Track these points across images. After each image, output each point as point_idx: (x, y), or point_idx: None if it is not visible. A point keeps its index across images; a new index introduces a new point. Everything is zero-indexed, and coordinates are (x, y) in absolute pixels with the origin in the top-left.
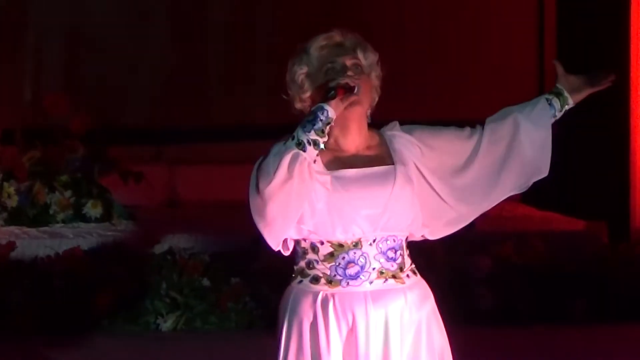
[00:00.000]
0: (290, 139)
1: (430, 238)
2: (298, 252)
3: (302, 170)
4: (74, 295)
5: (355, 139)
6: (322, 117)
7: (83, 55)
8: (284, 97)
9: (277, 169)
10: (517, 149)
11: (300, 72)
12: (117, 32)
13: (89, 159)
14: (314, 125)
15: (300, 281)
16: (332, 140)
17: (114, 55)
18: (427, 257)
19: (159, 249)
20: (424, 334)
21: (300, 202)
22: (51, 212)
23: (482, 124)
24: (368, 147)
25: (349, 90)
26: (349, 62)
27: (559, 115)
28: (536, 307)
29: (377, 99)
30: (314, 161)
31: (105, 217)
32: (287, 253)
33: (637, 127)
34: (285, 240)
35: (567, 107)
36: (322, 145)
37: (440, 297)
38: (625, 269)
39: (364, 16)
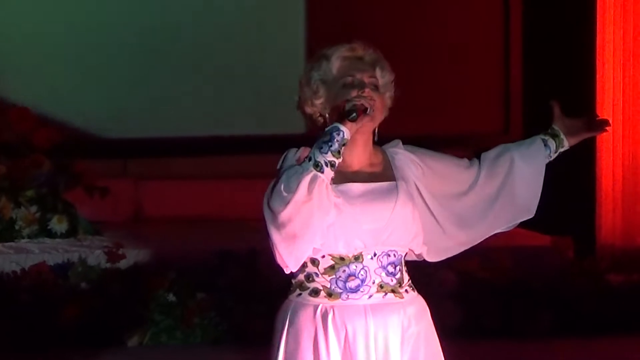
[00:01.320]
0: (306, 160)
1: (428, 259)
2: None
3: (320, 191)
4: (40, 310)
5: (361, 155)
6: (339, 138)
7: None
8: (296, 98)
9: (296, 190)
10: (510, 187)
11: (318, 77)
12: (79, 42)
13: (54, 173)
14: (331, 146)
15: (300, 294)
16: None
17: (76, 67)
18: None
19: (124, 264)
20: (422, 347)
21: (320, 223)
22: (17, 227)
23: (478, 157)
24: (371, 164)
25: (364, 111)
26: (367, 80)
27: (553, 156)
28: (502, 322)
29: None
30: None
31: (71, 232)
32: (288, 271)
33: (603, 142)
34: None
35: (561, 150)
36: (336, 166)
37: None
38: (591, 284)
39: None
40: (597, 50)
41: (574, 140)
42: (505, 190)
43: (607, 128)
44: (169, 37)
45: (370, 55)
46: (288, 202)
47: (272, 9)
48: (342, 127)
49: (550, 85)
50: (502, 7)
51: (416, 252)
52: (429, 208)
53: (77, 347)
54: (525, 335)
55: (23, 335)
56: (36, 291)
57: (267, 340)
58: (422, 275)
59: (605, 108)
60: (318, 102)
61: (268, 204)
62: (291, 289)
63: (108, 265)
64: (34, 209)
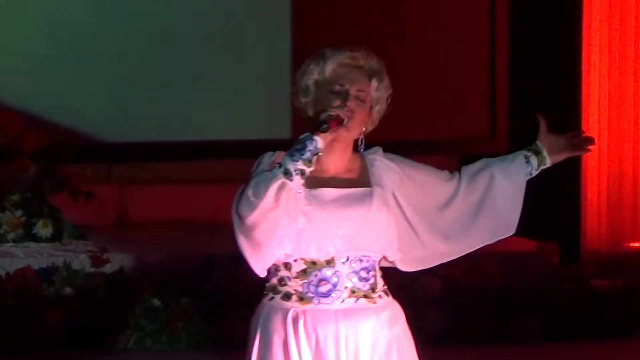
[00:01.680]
0: (277, 167)
1: (400, 268)
2: (270, 269)
3: (288, 199)
4: (25, 314)
5: (338, 161)
6: (311, 148)
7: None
8: (291, 91)
9: (263, 197)
10: (490, 202)
11: (311, 76)
12: (64, 46)
13: (39, 178)
14: (302, 155)
15: (272, 298)
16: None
17: (61, 70)
18: None
19: (109, 268)
20: (395, 353)
21: (287, 230)
22: (1, 231)
23: (464, 161)
24: (349, 170)
25: (339, 122)
26: (354, 92)
27: (534, 173)
28: (487, 327)
29: (370, 129)
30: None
31: (56, 236)
32: (263, 275)
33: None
34: None
35: (543, 167)
36: (307, 174)
37: None
38: (576, 289)
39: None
40: (583, 56)
41: (557, 159)
42: (485, 205)
43: (590, 148)
44: (154, 43)
45: (370, 66)
46: (255, 208)
47: (260, 15)
48: (316, 137)
49: (535, 91)
50: (488, 11)
51: (390, 259)
52: (406, 217)
53: (61, 351)
54: (511, 341)
55: (7, 340)
56: (21, 295)
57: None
58: (407, 281)
59: (590, 114)
60: (304, 100)
61: (236, 209)
62: (265, 292)
63: (93, 269)
64: (19, 213)
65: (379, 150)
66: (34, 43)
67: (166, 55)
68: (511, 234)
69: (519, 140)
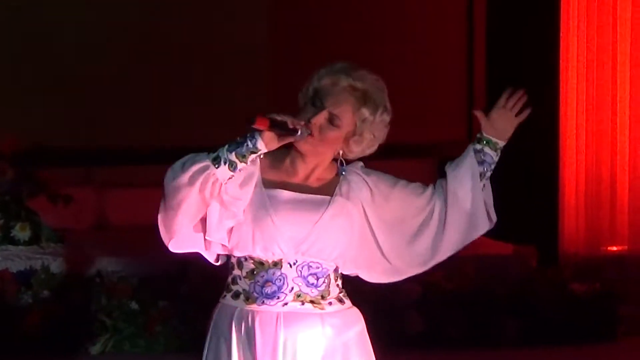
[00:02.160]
0: (211, 152)
1: (367, 280)
2: (228, 267)
3: (204, 182)
4: (3, 317)
5: (308, 169)
6: (249, 144)
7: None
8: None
9: (184, 170)
10: (455, 207)
11: (309, 87)
12: (43, 48)
13: (17, 181)
14: (237, 147)
15: (224, 296)
16: (288, 161)
17: (38, 73)
18: (354, 284)
19: (87, 271)
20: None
21: (195, 211)
22: None
23: (443, 163)
24: (319, 179)
25: (289, 131)
26: (330, 114)
27: (496, 159)
28: (466, 331)
29: (362, 151)
30: (229, 179)
31: (34, 239)
32: (217, 263)
33: (567, 151)
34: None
35: (500, 147)
36: (238, 169)
37: (370, 322)
38: (555, 292)
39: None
40: (561, 59)
41: (508, 134)
42: (452, 211)
43: (528, 107)
44: (137, 44)
45: (367, 90)
46: (173, 179)
47: (239, 18)
48: (257, 136)
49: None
50: (466, 13)
51: (344, 271)
52: (374, 235)
53: (39, 354)
54: (489, 344)
55: None
56: None
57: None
58: (387, 285)
59: (568, 117)
60: (302, 102)
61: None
62: (223, 291)
63: (71, 273)
64: None
65: (358, 164)
66: (9, 44)
67: (147, 60)
68: (482, 233)
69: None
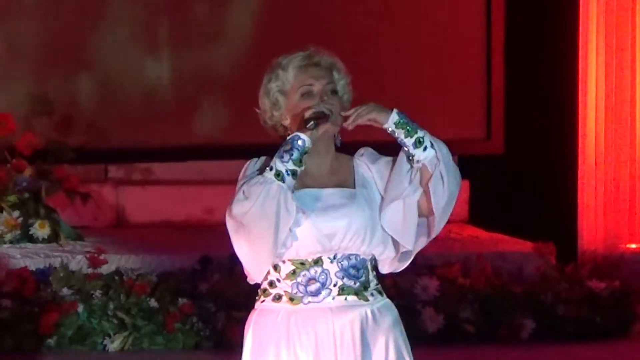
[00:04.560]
0: (268, 170)
1: (383, 270)
2: None
3: (283, 200)
4: (21, 315)
5: (322, 160)
6: (299, 147)
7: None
8: (257, 110)
9: (257, 199)
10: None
11: (276, 89)
12: (63, 46)
13: (36, 179)
14: (292, 155)
15: (263, 301)
16: None
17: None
18: None
19: (106, 269)
20: (392, 350)
21: (283, 231)
22: None
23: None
24: (332, 169)
25: (323, 117)
26: (325, 87)
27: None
28: (483, 328)
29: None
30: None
31: (53, 237)
32: (252, 282)
33: (585, 149)
34: None
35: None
36: (299, 174)
37: None
38: (573, 289)
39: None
40: (580, 57)
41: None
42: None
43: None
44: (156, 41)
45: (325, 60)
46: (248, 211)
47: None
48: (303, 136)
49: (532, 91)
50: (485, 12)
51: (379, 258)
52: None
53: (58, 352)
54: (507, 341)
55: (4, 340)
56: (18, 296)
57: None
58: (404, 282)
59: (587, 115)
60: (278, 113)
61: (231, 213)
62: (257, 297)
63: (90, 270)
64: (16, 214)
65: (367, 150)
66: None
67: (165, 60)
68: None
69: (515, 141)
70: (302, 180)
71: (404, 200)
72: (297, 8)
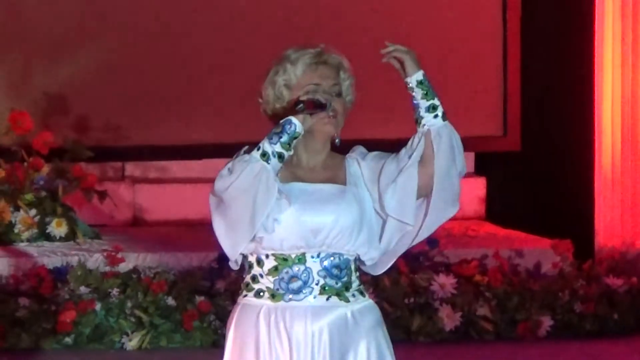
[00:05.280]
0: (255, 150)
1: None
2: (245, 266)
3: (263, 180)
4: (39, 313)
5: (317, 156)
6: (289, 131)
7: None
8: (259, 100)
9: (239, 175)
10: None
11: (282, 82)
12: (78, 46)
13: (53, 177)
14: (280, 137)
15: (245, 295)
16: (292, 154)
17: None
18: (390, 277)
19: (123, 267)
20: (373, 351)
21: (260, 211)
22: (16, 230)
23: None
24: (325, 166)
25: (319, 106)
26: (331, 87)
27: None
28: (500, 325)
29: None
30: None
31: (70, 235)
32: (235, 268)
33: (602, 146)
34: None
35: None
36: (286, 158)
37: (404, 316)
38: (590, 286)
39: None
40: (596, 53)
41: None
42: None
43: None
44: (173, 43)
45: (334, 59)
46: (229, 186)
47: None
48: (295, 120)
49: (548, 88)
50: (501, 9)
51: (363, 259)
52: (382, 204)
53: (75, 351)
54: (524, 339)
55: (22, 339)
56: (35, 295)
57: None
58: (422, 279)
59: (604, 111)
60: (280, 106)
61: (213, 189)
62: (240, 291)
63: (107, 268)
64: (33, 212)
65: (358, 148)
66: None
67: (181, 58)
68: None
69: (532, 138)
70: (294, 173)
71: (404, 173)
72: (312, 12)
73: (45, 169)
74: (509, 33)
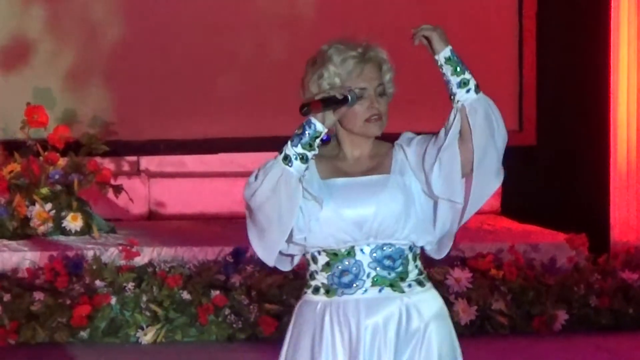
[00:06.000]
0: (279, 154)
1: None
2: (306, 264)
3: (287, 184)
4: (54, 307)
5: (363, 147)
6: (310, 131)
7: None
8: (302, 96)
9: (262, 181)
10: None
11: (327, 87)
12: (95, 43)
13: (68, 171)
14: (301, 139)
15: (305, 292)
16: (335, 147)
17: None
18: None
19: (138, 261)
20: (424, 344)
21: (288, 216)
22: (31, 224)
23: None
24: (371, 155)
25: (338, 102)
26: (376, 89)
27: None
28: (516, 319)
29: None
30: (305, 170)
31: (85, 230)
32: (288, 269)
33: (618, 139)
34: (291, 257)
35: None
36: (310, 158)
37: None
38: (606, 281)
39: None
40: (611, 49)
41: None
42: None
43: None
44: (187, 39)
45: (377, 55)
46: (254, 193)
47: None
48: (315, 120)
49: (564, 83)
50: (516, 3)
51: (421, 244)
52: (431, 188)
53: (90, 345)
54: (540, 333)
55: (37, 333)
56: (50, 289)
57: (281, 338)
58: (437, 273)
59: (619, 106)
60: None
61: (244, 197)
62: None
63: (122, 262)
64: (48, 206)
65: (405, 135)
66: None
67: (197, 53)
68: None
69: (548, 133)
70: (338, 167)
71: (444, 151)
72: (340, 8)
73: (61, 163)
74: (524, 28)
